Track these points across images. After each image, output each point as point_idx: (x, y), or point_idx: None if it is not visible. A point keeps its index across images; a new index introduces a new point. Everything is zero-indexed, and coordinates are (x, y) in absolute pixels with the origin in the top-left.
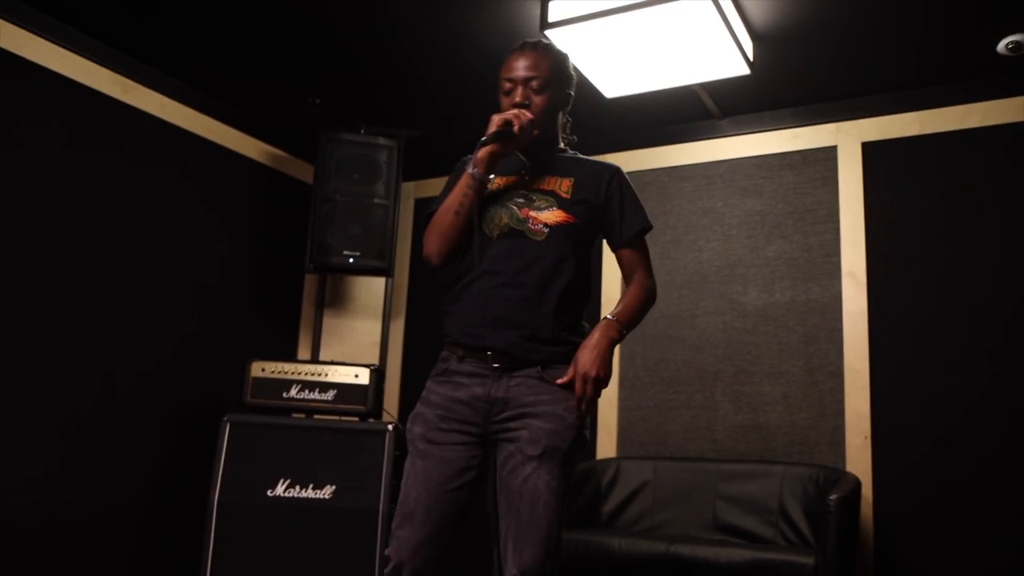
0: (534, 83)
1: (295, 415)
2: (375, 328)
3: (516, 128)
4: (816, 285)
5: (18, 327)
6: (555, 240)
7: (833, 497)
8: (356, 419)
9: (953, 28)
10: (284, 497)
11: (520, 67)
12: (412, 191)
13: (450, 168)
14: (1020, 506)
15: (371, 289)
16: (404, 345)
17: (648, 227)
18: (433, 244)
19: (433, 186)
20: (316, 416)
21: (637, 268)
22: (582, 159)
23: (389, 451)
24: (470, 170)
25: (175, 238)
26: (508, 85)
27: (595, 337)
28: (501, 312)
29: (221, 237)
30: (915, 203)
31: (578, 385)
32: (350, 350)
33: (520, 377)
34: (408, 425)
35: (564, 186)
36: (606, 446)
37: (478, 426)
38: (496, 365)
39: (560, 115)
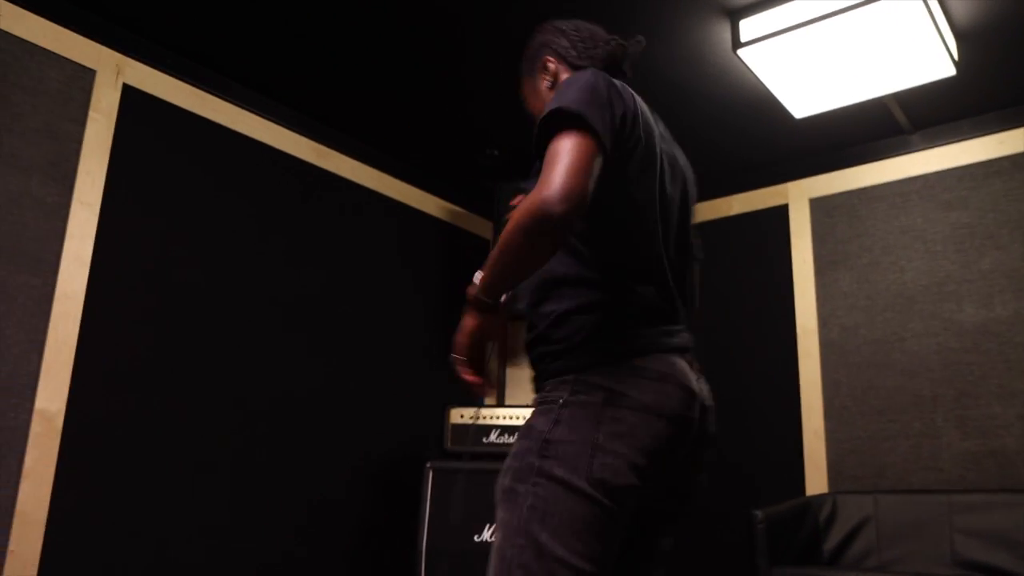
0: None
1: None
2: None
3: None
4: None
5: (247, 391)
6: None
7: None
8: None
9: None
10: (491, 542)
11: None
12: None
13: None
14: None
15: None
16: None
17: (553, 111)
18: None
19: None
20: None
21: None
22: None
23: None
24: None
25: (377, 292)
26: None
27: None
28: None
29: (414, 289)
30: None
31: None
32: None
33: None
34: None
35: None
36: (816, 481)
37: None
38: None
39: (544, 80)
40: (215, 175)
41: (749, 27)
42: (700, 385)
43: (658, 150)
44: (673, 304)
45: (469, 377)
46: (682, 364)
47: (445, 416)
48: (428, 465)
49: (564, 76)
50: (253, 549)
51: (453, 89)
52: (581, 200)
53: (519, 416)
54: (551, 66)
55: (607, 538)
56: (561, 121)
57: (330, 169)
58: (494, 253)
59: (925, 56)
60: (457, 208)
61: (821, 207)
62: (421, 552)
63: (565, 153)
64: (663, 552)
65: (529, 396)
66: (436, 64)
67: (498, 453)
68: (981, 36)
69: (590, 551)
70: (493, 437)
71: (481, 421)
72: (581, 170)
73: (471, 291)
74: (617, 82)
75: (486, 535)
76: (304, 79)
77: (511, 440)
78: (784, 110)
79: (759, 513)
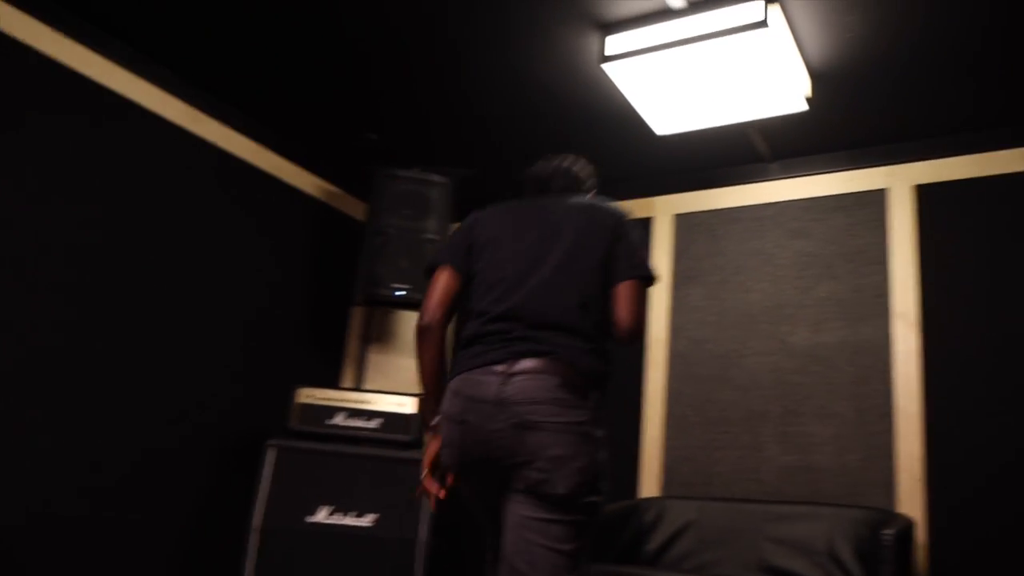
0: None
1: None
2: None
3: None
4: (867, 326)
5: (76, 352)
6: None
7: (889, 532)
8: (400, 448)
9: (1011, 69)
10: (325, 523)
11: None
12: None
13: None
14: None
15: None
16: None
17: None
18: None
19: None
20: (361, 444)
21: None
22: None
23: None
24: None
25: (230, 267)
26: None
27: None
28: None
29: (273, 268)
30: (969, 245)
31: None
32: (393, 385)
33: None
34: None
35: None
36: (649, 485)
37: None
38: None
39: None
40: (77, 133)
41: (616, 43)
42: (504, 388)
43: (485, 234)
44: (490, 327)
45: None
46: (475, 376)
47: (292, 396)
48: (269, 443)
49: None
50: (82, 508)
51: (336, 68)
52: (425, 310)
53: (369, 402)
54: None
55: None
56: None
57: (202, 135)
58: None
59: (779, 90)
60: (333, 188)
61: (684, 223)
62: (253, 530)
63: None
64: (518, 514)
65: (390, 383)
66: (321, 42)
67: (343, 435)
68: (835, 77)
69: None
70: (339, 420)
71: (328, 402)
72: (430, 294)
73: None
74: (477, 212)
75: (320, 516)
76: (180, 37)
77: (358, 424)
78: (646, 126)
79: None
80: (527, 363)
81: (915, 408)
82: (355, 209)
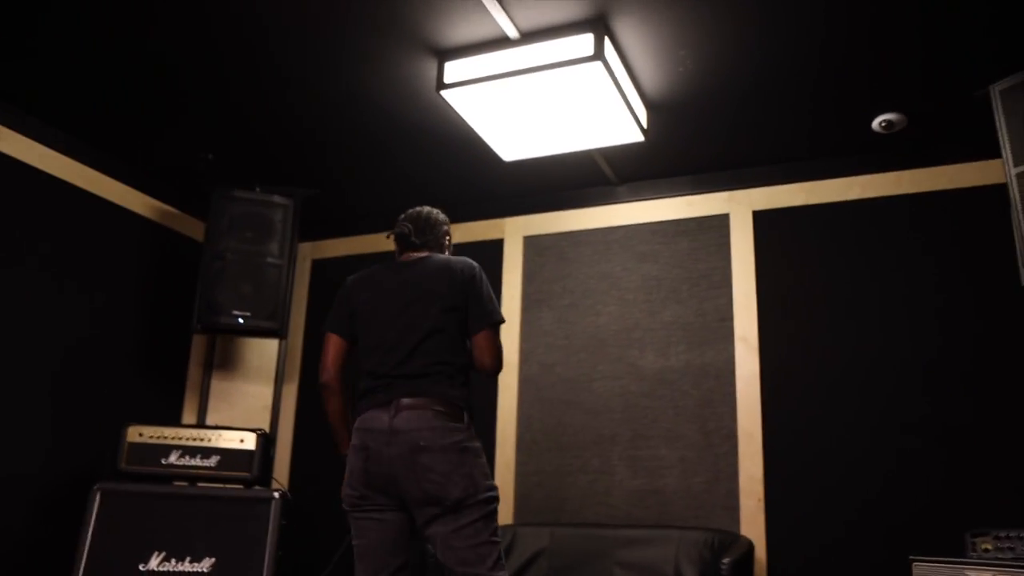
0: None
1: (176, 483)
2: (266, 392)
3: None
4: (711, 349)
5: None
6: None
7: (726, 561)
8: (241, 487)
9: (837, 104)
10: (157, 571)
11: None
12: (310, 252)
13: (348, 229)
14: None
15: (263, 351)
16: (296, 410)
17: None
18: None
19: (331, 247)
20: (199, 484)
21: None
22: None
23: (275, 520)
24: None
25: (45, 294)
26: None
27: None
28: None
29: (98, 294)
30: (803, 270)
31: None
32: (240, 414)
33: None
34: None
35: None
36: (503, 513)
37: None
38: None
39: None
40: None
41: (454, 70)
42: (393, 421)
43: (362, 301)
44: (377, 382)
45: None
46: (370, 414)
47: (122, 434)
48: (95, 487)
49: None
50: None
51: (162, 89)
52: (324, 369)
53: (206, 439)
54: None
55: (355, 530)
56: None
57: (9, 153)
58: None
59: (614, 121)
60: (168, 208)
61: (533, 246)
62: None
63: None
64: (430, 533)
65: (236, 411)
66: (143, 63)
67: (178, 475)
68: (671, 108)
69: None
70: (173, 458)
71: (161, 440)
72: (324, 357)
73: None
74: (351, 278)
75: (153, 563)
76: None
77: (194, 462)
78: (492, 152)
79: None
80: (407, 400)
81: (756, 429)
82: (195, 230)
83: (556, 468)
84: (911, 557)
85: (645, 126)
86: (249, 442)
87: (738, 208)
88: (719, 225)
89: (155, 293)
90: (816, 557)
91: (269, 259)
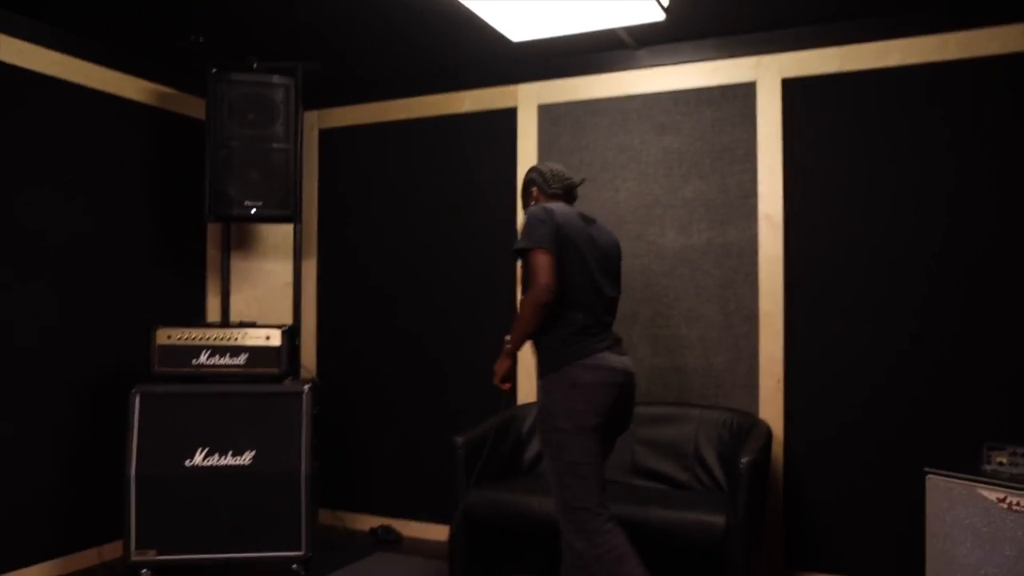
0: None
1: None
2: (286, 269)
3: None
4: (733, 228)
5: None
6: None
7: (744, 460)
8: (272, 383)
9: None
10: (203, 466)
11: None
12: (316, 121)
13: (355, 96)
14: (913, 449)
15: (279, 230)
16: (318, 285)
17: (517, 249)
18: None
19: (337, 116)
20: (229, 382)
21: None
22: None
23: (307, 411)
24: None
25: (51, 200)
26: None
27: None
28: None
29: (106, 189)
30: (833, 145)
31: None
32: (262, 292)
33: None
34: None
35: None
36: (526, 390)
37: None
38: None
39: (531, 201)
40: None
41: None
42: (624, 361)
43: (574, 236)
44: (598, 321)
45: (505, 387)
46: (611, 355)
47: (152, 337)
48: (134, 391)
49: (541, 200)
50: None
51: None
52: (550, 288)
53: (234, 338)
54: (536, 195)
55: (586, 450)
56: (523, 251)
57: None
58: (518, 325)
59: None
60: (165, 89)
61: (548, 115)
62: (130, 479)
63: (538, 265)
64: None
65: (258, 290)
66: None
67: (209, 375)
68: None
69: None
70: (203, 358)
71: (190, 342)
72: (549, 271)
73: (506, 346)
74: (552, 205)
75: (197, 459)
76: None
77: (224, 361)
78: (499, 34)
79: (459, 439)
80: (621, 347)
81: (777, 310)
82: (196, 109)
83: None
84: (925, 469)
85: (665, 5)
86: (275, 338)
87: (766, 75)
88: (745, 94)
89: (164, 180)
90: (833, 440)
91: (275, 144)
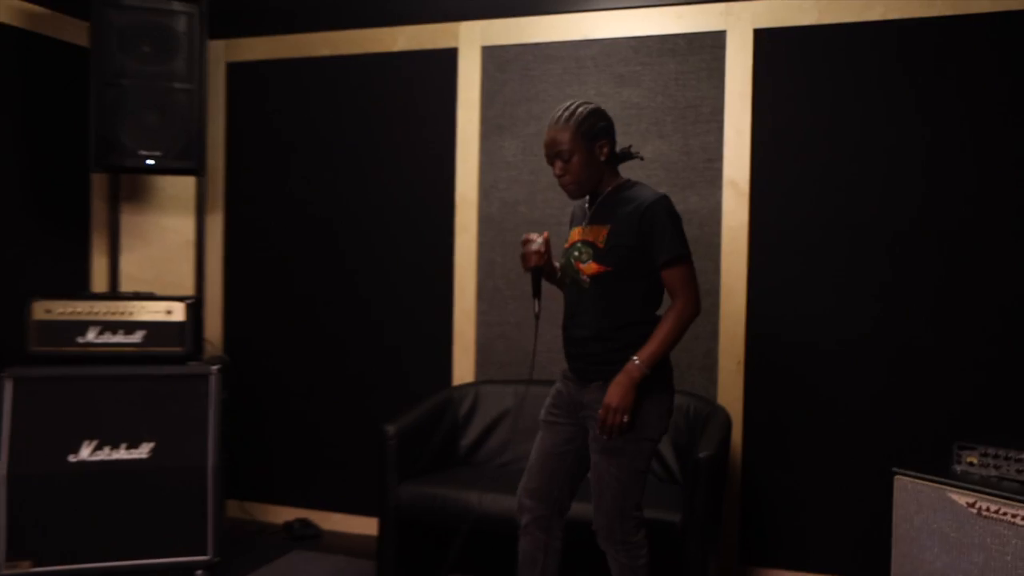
0: (564, 154)
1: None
2: (187, 225)
3: (533, 264)
4: (695, 194)
5: None
6: (596, 287)
7: (703, 455)
8: (171, 363)
9: None
10: (92, 461)
11: (549, 145)
12: (223, 52)
13: (268, 27)
14: (882, 443)
15: (179, 179)
16: (225, 246)
17: (679, 255)
18: None
19: (249, 47)
20: (123, 363)
21: (674, 292)
22: (626, 198)
23: (215, 396)
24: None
25: None
26: (549, 161)
27: (618, 379)
28: (574, 348)
29: None
30: (809, 105)
31: (600, 413)
32: (158, 252)
33: (590, 388)
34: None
35: (601, 236)
36: (464, 368)
37: (573, 414)
38: (580, 380)
39: (600, 160)
40: None
41: None
42: None
43: None
44: None
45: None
46: None
47: (26, 312)
48: (4, 375)
49: (604, 167)
50: None
51: None
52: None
53: (128, 312)
54: (606, 149)
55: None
56: (683, 257)
57: None
58: (664, 339)
59: None
60: (38, 8)
61: (494, 58)
62: (1, 480)
63: (691, 276)
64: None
65: (152, 249)
66: None
67: (99, 355)
68: None
69: None
70: (91, 336)
71: (75, 316)
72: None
73: (636, 372)
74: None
75: (84, 453)
76: None
77: (116, 339)
78: None
79: (390, 428)
80: None
81: (740, 286)
82: (78, 34)
83: (522, 319)
84: (894, 469)
85: None
86: (178, 313)
87: (737, 24)
88: (713, 45)
89: (39, 120)
90: (797, 429)
91: (176, 83)
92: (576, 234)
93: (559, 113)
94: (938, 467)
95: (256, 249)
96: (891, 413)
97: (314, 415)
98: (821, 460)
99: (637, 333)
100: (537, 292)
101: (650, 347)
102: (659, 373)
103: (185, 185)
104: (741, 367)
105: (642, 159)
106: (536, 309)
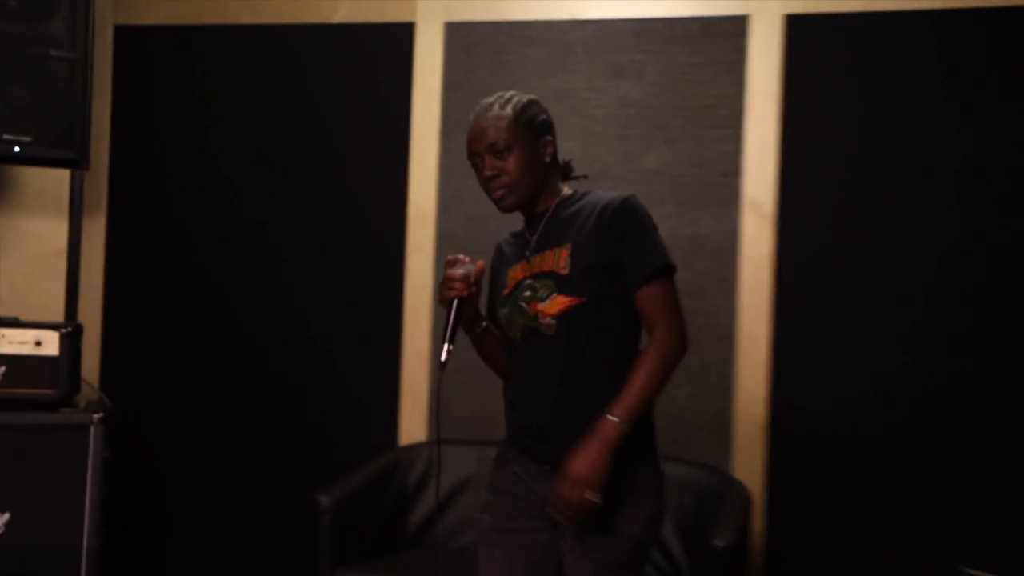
0: (498, 148)
1: None
2: (58, 230)
3: (464, 294)
4: (707, 215)
5: None
6: (567, 330)
7: (720, 545)
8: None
9: None
10: None
11: (476, 138)
12: (110, 12)
13: None
14: (944, 536)
15: (49, 174)
16: (107, 256)
17: (663, 265)
18: (501, 376)
19: (144, 6)
20: None
21: (653, 319)
22: (582, 208)
23: (95, 453)
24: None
25: None
26: (474, 160)
27: (586, 441)
28: (535, 420)
29: None
30: (850, 107)
31: (557, 485)
32: (21, 265)
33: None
34: (479, 514)
35: (562, 260)
36: (414, 424)
37: (541, 513)
38: (547, 466)
39: (545, 159)
40: None
41: None
42: None
43: None
44: None
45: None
46: None
47: None
48: None
49: (551, 169)
50: None
51: None
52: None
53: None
54: (550, 149)
55: None
56: (666, 270)
57: None
58: (644, 385)
59: None
60: None
61: (459, 38)
62: None
63: (674, 296)
64: None
65: (8, 272)
66: None
67: None
68: None
69: None
70: None
71: None
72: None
73: (612, 431)
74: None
75: None
76: None
77: None
78: None
79: (324, 499)
80: None
81: (762, 332)
82: None
83: (485, 366)
84: (961, 568)
85: None
86: (49, 344)
87: (763, 8)
88: (733, 32)
89: None
90: (835, 512)
91: (52, 50)
92: (518, 271)
93: (490, 100)
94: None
95: (150, 261)
96: (958, 495)
97: (224, 479)
98: (866, 552)
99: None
100: (453, 333)
101: (628, 397)
102: (644, 435)
103: (57, 180)
104: (763, 432)
105: (585, 177)
106: (444, 355)
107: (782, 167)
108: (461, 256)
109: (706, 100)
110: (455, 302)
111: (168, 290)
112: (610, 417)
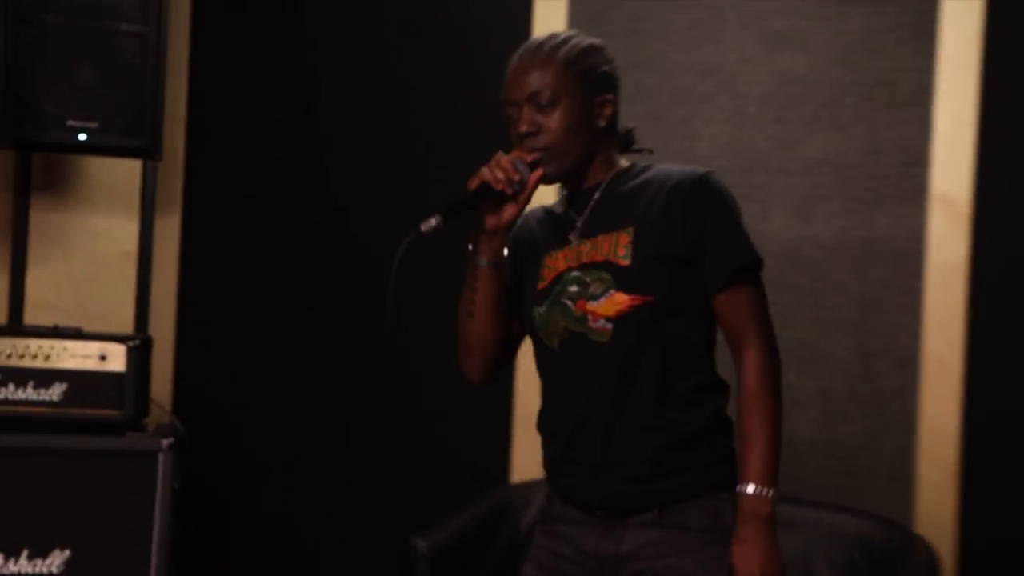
0: (542, 98)
1: None
2: (128, 230)
3: (498, 186)
4: (886, 214)
5: None
6: (624, 337)
7: None
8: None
9: None
10: None
11: (516, 84)
12: None
13: None
14: None
15: (119, 165)
16: (182, 260)
17: (753, 260)
18: (463, 360)
19: None
20: (31, 431)
21: (741, 331)
22: (645, 181)
23: (165, 482)
24: (472, 255)
25: None
26: (511, 111)
27: (744, 531)
28: (587, 456)
29: None
30: None
31: None
32: (85, 268)
33: (634, 526)
34: None
35: (621, 247)
36: (529, 456)
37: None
38: (598, 513)
39: (599, 123)
40: None
41: None
42: None
43: None
44: None
45: None
46: None
47: None
48: None
49: (602, 122)
50: None
51: None
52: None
53: (40, 354)
54: (608, 110)
55: None
56: (756, 266)
57: None
58: (773, 437)
59: None
60: None
61: (585, 4)
62: None
63: (766, 308)
64: None
65: (68, 275)
66: None
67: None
68: None
69: None
70: None
71: None
72: None
73: (765, 508)
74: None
75: None
76: None
77: (21, 395)
78: None
79: (422, 543)
80: None
81: (954, 355)
82: None
83: None
84: None
85: None
86: (116, 359)
87: None
88: None
89: None
90: None
91: (123, 24)
92: (559, 260)
93: (541, 39)
94: None
95: (226, 266)
96: None
97: (305, 519)
98: None
99: (711, 409)
100: (457, 210)
101: (761, 456)
102: (717, 477)
103: (127, 172)
104: (953, 478)
105: (651, 152)
106: (427, 224)
107: (980, 155)
108: (525, 155)
109: (885, 74)
110: (482, 185)
111: (251, 299)
112: (751, 489)
